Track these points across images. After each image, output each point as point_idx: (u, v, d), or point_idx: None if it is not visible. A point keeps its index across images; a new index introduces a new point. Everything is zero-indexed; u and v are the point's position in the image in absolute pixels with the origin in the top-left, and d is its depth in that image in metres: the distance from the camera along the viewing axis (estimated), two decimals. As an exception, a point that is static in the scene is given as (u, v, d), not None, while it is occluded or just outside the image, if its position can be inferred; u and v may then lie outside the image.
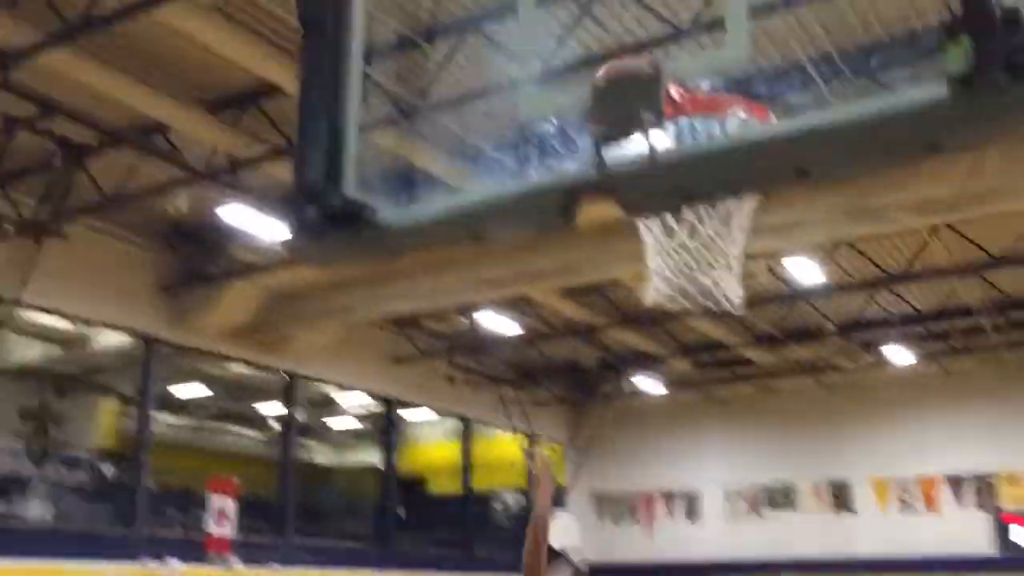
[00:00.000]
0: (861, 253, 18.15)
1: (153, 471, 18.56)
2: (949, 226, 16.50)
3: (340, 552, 22.10)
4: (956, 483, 25.34)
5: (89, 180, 13.65)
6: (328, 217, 3.49)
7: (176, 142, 13.28)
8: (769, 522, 27.60)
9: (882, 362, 24.08)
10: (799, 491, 27.43)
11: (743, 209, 3.99)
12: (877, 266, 18.76)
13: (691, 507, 28.79)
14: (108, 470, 19.26)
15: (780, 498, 27.64)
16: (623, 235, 13.93)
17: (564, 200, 3.12)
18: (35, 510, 16.90)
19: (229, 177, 13.41)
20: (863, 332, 22.29)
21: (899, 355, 23.54)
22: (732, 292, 4.38)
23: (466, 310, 20.44)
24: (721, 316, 19.90)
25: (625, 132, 2.92)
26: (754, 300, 17.87)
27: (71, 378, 21.56)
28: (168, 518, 19.46)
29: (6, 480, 16.73)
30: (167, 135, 13.15)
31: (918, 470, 25.90)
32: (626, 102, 2.94)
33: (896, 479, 26.13)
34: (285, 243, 12.89)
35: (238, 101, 12.88)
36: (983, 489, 25.12)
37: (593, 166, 3.01)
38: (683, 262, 4.19)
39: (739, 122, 3.50)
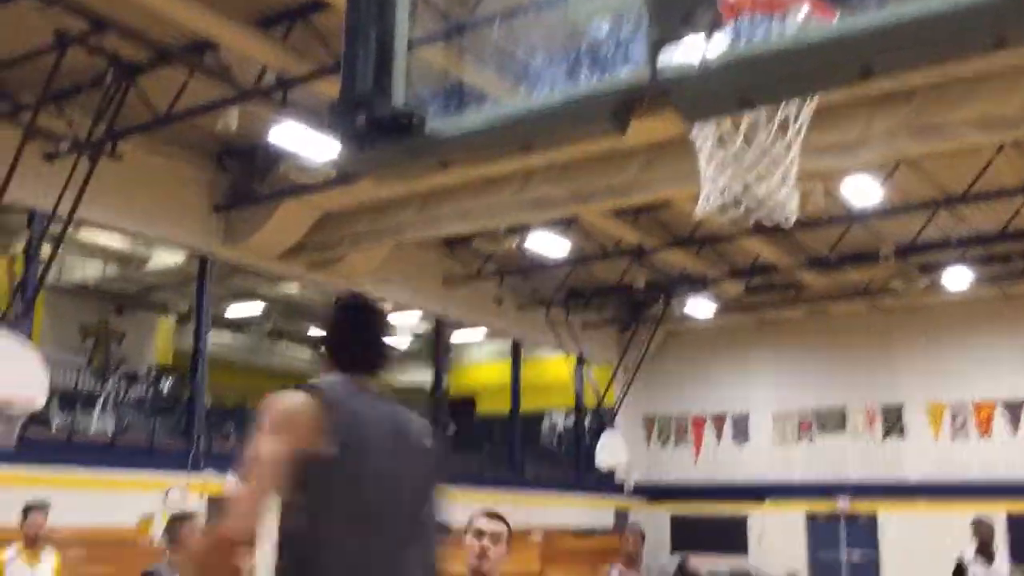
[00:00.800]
0: (921, 172, 17.67)
1: (209, 388, 19.03)
2: (1014, 144, 15.98)
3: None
4: (1013, 408, 25.03)
5: (141, 99, 13.71)
6: (376, 126, 3.44)
7: (226, 60, 13.25)
8: (818, 446, 27.59)
9: (939, 285, 23.60)
10: (850, 415, 27.31)
11: (801, 115, 3.85)
12: (938, 186, 18.27)
13: (739, 430, 28.86)
14: (166, 385, 19.77)
15: (830, 422, 27.56)
16: (674, 155, 13.73)
17: (617, 105, 3.03)
18: (98, 423, 17.47)
19: (279, 95, 13.38)
20: (920, 254, 21.80)
21: (957, 278, 23.00)
22: (785, 203, 4.26)
23: (517, 231, 20.37)
24: (773, 235, 19.61)
25: (681, 33, 2.81)
26: (808, 221, 17.54)
27: (129, 296, 22.07)
28: (225, 433, 20.01)
29: (71, 394, 17.24)
30: (217, 52, 13.12)
31: (973, 395, 25.61)
32: (682, 2, 2.82)
33: (950, 404, 25.87)
34: (335, 158, 12.88)
35: (287, 16, 12.78)
36: (1038, 415, 24.84)
37: (648, 70, 2.91)
38: (737, 172, 4.06)
39: (801, 19, 3.35)
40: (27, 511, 6.91)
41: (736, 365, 29.20)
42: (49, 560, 6.77)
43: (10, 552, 6.80)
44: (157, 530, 16.93)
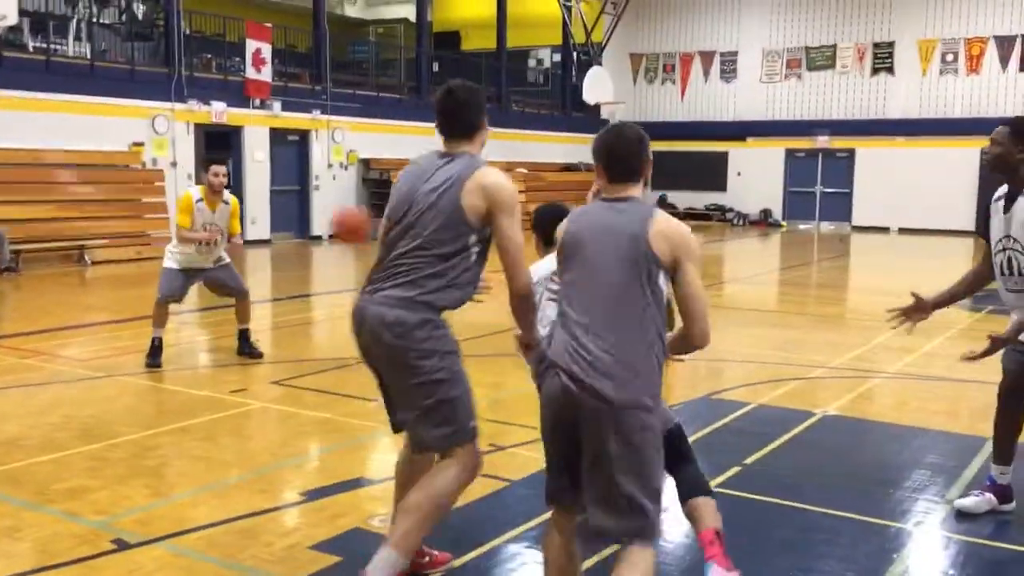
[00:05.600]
0: None
1: (186, 16, 18.34)
2: None
3: (376, 102, 22.45)
4: (1004, 43, 24.68)
5: None
6: None
7: None
8: (804, 84, 27.46)
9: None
10: (839, 52, 26.91)
11: None
12: None
13: (727, 68, 28.53)
14: (140, 9, 18.99)
15: (820, 59, 27.21)
16: None
17: None
18: (74, 48, 16.98)
19: None
20: None
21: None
22: None
23: None
24: None
25: None
26: None
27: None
28: (205, 62, 19.59)
29: (41, 15, 16.59)
30: None
31: (966, 31, 25.14)
32: None
33: (942, 39, 25.45)
34: None
35: None
36: (1030, 51, 24.56)
37: None
38: None
39: None
40: (208, 165, 7.30)
41: (728, 1, 28.27)
42: (227, 207, 7.33)
43: (195, 193, 7.30)
44: (147, 155, 17.14)
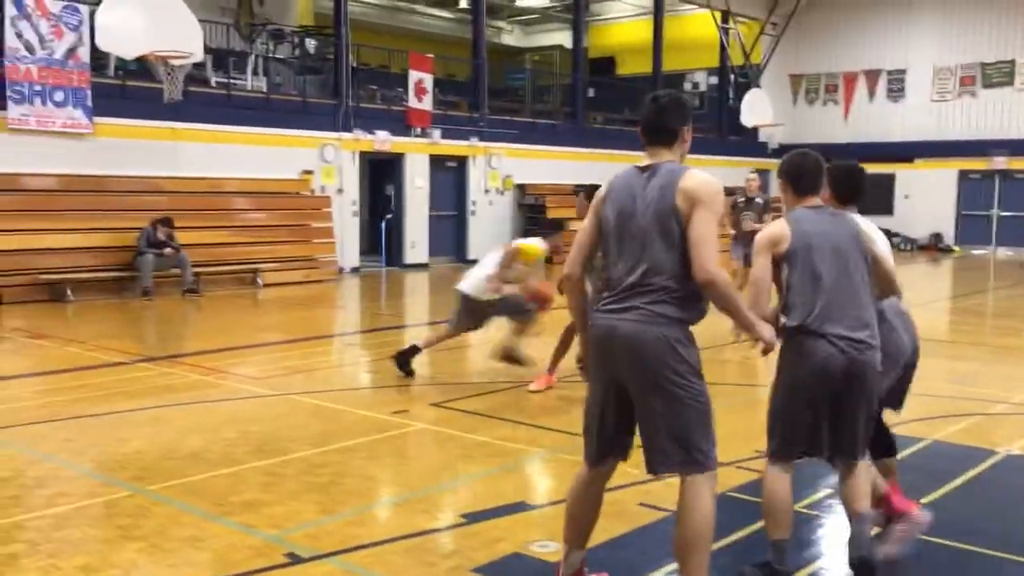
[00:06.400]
0: None
1: (352, 50, 19.14)
2: None
3: (532, 128, 22.75)
4: None
5: None
6: None
7: None
8: (980, 101, 26.06)
9: None
10: (1019, 68, 25.41)
11: None
12: None
13: (895, 86, 27.42)
14: (311, 45, 19.95)
15: (997, 75, 25.76)
16: None
17: None
18: (251, 82, 17.98)
19: None
20: None
21: None
22: None
23: None
24: None
25: None
26: None
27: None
28: (370, 93, 20.36)
29: (222, 53, 17.65)
30: None
31: None
32: None
33: None
34: None
35: None
36: None
37: None
38: None
39: None
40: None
41: (896, 16, 27.17)
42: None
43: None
44: (316, 183, 17.94)
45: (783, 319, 3.82)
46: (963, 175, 26.35)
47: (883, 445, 4.28)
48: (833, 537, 4.36)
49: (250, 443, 6.02)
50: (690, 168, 3.38)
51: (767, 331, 3.63)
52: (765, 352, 3.73)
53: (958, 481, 5.26)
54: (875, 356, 3.77)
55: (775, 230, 3.88)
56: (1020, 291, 17.62)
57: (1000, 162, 25.51)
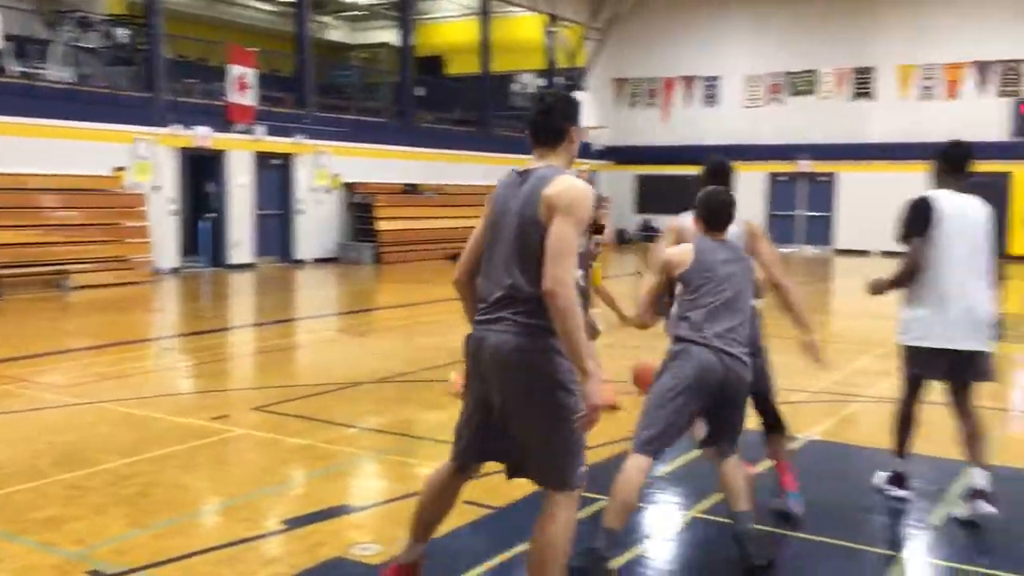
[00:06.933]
0: None
1: (168, 41, 18.34)
2: None
3: (360, 126, 22.47)
4: (982, 69, 25.03)
5: None
6: None
7: None
8: (786, 109, 27.71)
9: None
10: (820, 78, 27.19)
11: None
12: None
13: (709, 93, 28.76)
14: (122, 34, 18.97)
15: (801, 84, 27.48)
16: None
17: None
18: (56, 72, 16.93)
19: None
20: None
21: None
22: None
23: None
24: None
25: None
26: None
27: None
28: (188, 86, 19.57)
29: (22, 40, 16.55)
30: None
31: (945, 57, 25.47)
32: None
33: (921, 65, 25.78)
34: None
35: None
36: (1007, 76, 24.92)
37: None
38: None
39: None
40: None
41: (710, 27, 28.54)
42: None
43: None
44: (129, 180, 17.06)
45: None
46: (772, 177, 27.94)
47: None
48: (652, 528, 4.49)
49: (53, 455, 5.65)
50: (560, 174, 3.22)
51: (594, 376, 3.05)
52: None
53: (761, 467, 5.55)
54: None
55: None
56: (820, 286, 18.84)
57: (805, 165, 27.21)
